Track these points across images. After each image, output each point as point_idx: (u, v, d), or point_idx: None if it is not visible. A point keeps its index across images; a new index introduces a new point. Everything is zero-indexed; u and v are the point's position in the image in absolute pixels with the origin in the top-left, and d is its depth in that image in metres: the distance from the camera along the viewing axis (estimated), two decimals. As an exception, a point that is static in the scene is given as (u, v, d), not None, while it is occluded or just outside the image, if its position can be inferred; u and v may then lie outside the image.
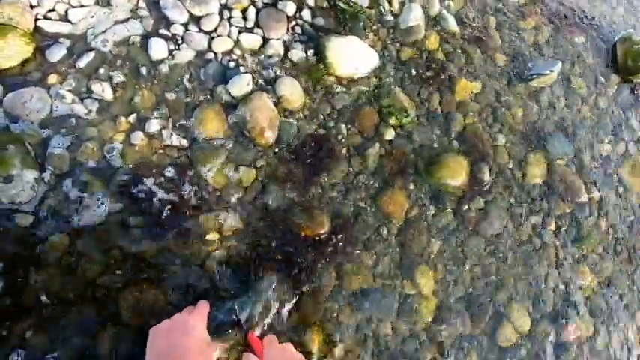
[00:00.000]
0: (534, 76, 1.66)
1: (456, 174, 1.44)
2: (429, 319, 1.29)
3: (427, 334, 1.27)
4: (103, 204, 1.15)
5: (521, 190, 1.53)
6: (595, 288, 1.52)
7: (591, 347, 1.42)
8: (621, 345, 1.47)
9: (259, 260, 1.19)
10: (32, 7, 1.27)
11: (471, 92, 1.61)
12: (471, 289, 1.36)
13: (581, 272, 1.50)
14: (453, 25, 1.67)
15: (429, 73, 1.56)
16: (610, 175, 1.70)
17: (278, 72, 1.41)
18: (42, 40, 1.25)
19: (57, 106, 1.19)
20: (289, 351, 0.93)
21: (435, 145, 1.48)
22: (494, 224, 1.44)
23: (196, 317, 0.93)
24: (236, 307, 0.99)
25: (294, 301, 1.17)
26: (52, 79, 1.21)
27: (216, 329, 0.91)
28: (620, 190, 1.70)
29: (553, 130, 1.66)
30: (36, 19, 1.26)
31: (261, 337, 1.02)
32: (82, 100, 1.22)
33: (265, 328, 1.07)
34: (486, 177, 1.47)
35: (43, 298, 1.05)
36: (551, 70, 1.66)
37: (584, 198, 1.60)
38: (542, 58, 1.77)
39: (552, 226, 1.53)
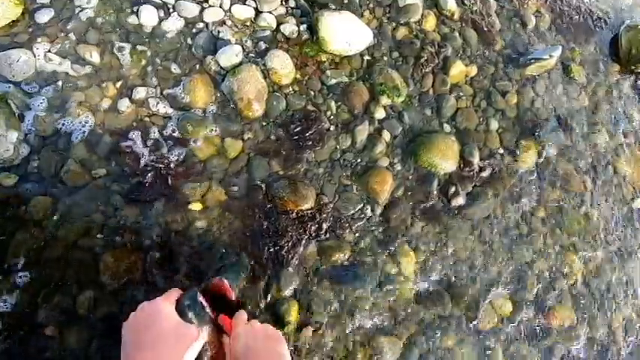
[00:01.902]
0: (532, 61, 1.63)
1: (445, 156, 1.42)
2: (409, 298, 1.29)
3: (406, 313, 1.27)
4: (86, 168, 1.15)
5: (512, 175, 1.51)
6: (582, 277, 1.50)
7: (573, 335, 1.42)
8: (604, 335, 1.46)
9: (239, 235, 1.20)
10: (23, -32, 1.26)
11: (466, 76, 1.58)
12: (453, 272, 1.35)
13: (569, 261, 1.49)
14: (452, 5, 1.63)
15: (423, 54, 1.53)
16: (605, 166, 1.67)
17: (269, 45, 1.40)
18: (31, 1, 1.24)
19: (44, 69, 1.20)
20: (256, 324, 0.92)
21: (426, 127, 1.46)
22: (481, 208, 1.43)
23: (162, 302, 0.85)
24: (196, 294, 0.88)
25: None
26: (40, 41, 1.21)
27: (183, 313, 0.83)
28: (615, 180, 1.67)
29: (548, 117, 1.63)
30: (26, -19, 1.25)
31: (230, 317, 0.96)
32: (70, 63, 1.22)
33: None
34: (476, 160, 1.45)
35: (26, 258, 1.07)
36: (551, 56, 1.62)
37: (576, 187, 1.58)
38: (543, 43, 1.73)
39: (541, 213, 1.51)
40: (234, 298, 0.92)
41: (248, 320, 0.93)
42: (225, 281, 0.91)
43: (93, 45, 1.24)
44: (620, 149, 1.75)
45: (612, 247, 1.60)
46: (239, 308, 0.92)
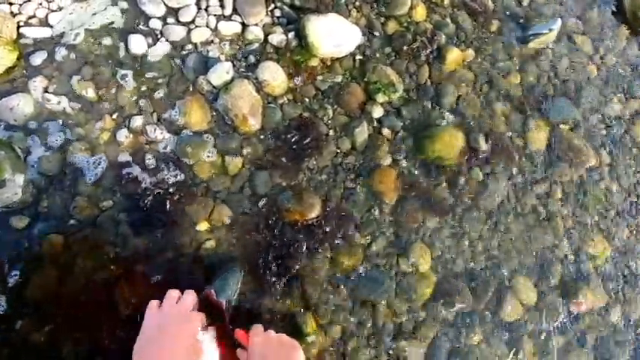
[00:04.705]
0: (532, 37, 1.56)
1: (449, 147, 1.38)
2: (429, 297, 1.25)
3: (427, 312, 1.24)
4: (93, 201, 1.17)
5: (523, 158, 1.46)
6: (608, 256, 1.43)
7: (604, 318, 1.35)
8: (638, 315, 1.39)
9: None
10: (13, 15, 1.30)
11: (464, 61, 1.53)
12: (472, 265, 1.31)
13: (593, 241, 1.42)
14: (440, -8, 1.59)
15: (416, 45, 1.49)
16: (622, 136, 1.59)
17: (259, 57, 1.39)
18: (25, 46, 1.28)
19: (43, 110, 1.22)
20: (271, 333, 0.92)
21: (427, 119, 1.43)
22: (495, 196, 1.38)
23: (193, 322, 0.86)
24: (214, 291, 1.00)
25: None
26: (37, 83, 1.24)
27: None
28: (634, 150, 1.59)
29: (555, 93, 1.56)
30: (18, 27, 1.29)
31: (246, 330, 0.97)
32: (67, 101, 1.24)
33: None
34: (483, 147, 1.41)
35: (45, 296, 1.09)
36: (551, 29, 1.55)
37: (593, 162, 1.51)
38: (541, 17, 1.66)
39: (559, 194, 1.45)
40: (223, 307, 0.99)
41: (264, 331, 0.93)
42: (212, 291, 0.99)
43: (87, 80, 1.26)
44: (634, 116, 1.66)
45: (638, 220, 1.52)
46: (225, 317, 0.98)
